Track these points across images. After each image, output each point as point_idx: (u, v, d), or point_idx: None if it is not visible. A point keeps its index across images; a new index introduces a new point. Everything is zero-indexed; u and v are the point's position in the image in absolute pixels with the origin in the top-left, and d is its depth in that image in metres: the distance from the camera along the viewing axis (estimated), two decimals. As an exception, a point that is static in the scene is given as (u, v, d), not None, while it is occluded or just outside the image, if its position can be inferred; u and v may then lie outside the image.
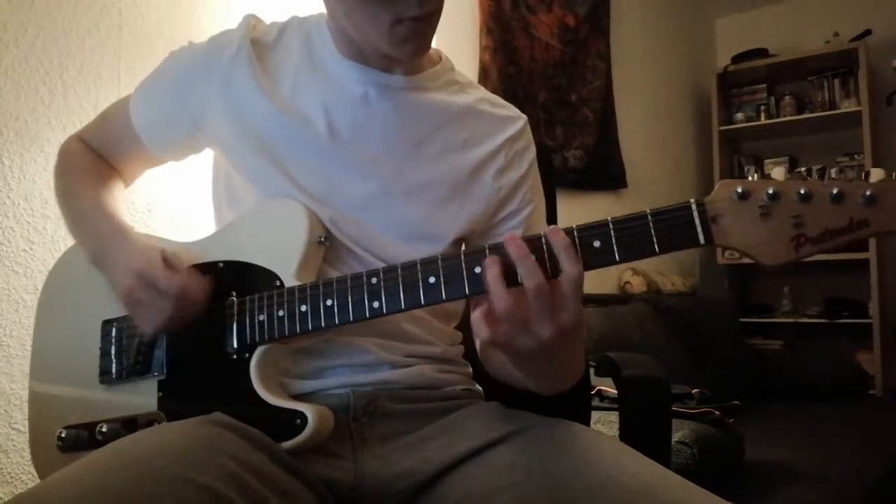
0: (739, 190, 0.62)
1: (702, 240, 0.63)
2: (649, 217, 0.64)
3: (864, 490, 1.73)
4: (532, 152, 0.95)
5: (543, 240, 0.65)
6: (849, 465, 1.87)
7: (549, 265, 0.64)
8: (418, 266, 0.71)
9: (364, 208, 0.84)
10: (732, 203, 0.62)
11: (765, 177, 0.63)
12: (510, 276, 0.64)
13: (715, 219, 0.62)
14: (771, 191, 0.61)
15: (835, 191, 0.59)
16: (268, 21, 0.92)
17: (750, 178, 0.63)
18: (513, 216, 0.92)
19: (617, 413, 1.15)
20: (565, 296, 0.63)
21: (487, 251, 0.68)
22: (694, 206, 0.63)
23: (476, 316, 0.65)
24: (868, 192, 0.59)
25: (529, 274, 0.63)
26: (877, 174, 0.59)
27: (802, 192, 0.60)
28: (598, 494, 0.64)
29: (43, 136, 1.28)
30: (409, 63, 0.87)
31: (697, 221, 0.63)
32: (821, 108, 3.79)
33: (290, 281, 0.78)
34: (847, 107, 3.69)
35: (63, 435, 0.85)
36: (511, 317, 0.63)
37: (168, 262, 0.80)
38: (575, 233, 0.66)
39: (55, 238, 1.28)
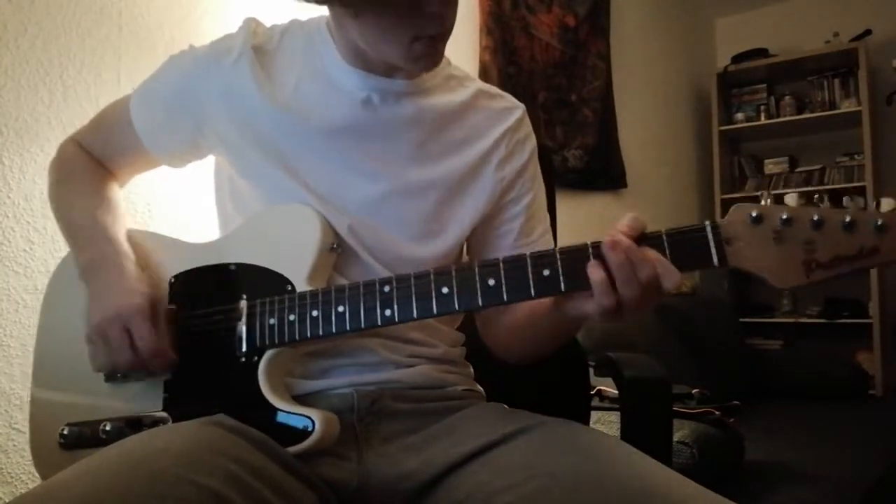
0: (754, 214, 0.64)
1: (716, 261, 0.64)
2: (664, 237, 0.65)
3: (864, 490, 1.73)
4: (532, 141, 0.96)
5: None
6: (849, 465, 1.87)
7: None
8: (431, 276, 0.71)
9: (370, 209, 0.84)
10: (746, 226, 0.64)
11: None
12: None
13: (729, 241, 0.64)
14: (785, 216, 0.63)
15: (847, 219, 0.61)
16: (268, 23, 0.92)
17: (763, 203, 0.64)
18: (514, 203, 0.92)
19: (617, 413, 1.15)
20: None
21: (502, 264, 0.69)
22: (709, 229, 0.65)
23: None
24: (879, 222, 0.61)
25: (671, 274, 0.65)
26: (888, 204, 0.61)
27: (815, 218, 0.62)
28: (601, 494, 0.64)
29: (43, 136, 1.28)
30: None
31: (712, 243, 0.64)
32: (821, 108, 3.80)
33: (301, 286, 0.78)
34: (847, 107, 3.69)
35: (65, 432, 0.84)
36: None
37: (153, 315, 0.80)
38: (589, 249, 0.67)
39: (55, 238, 1.28)
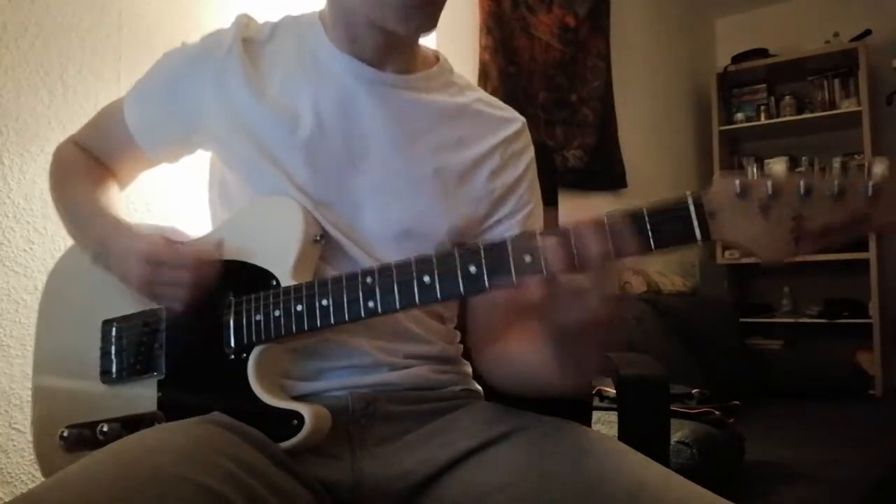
0: (738, 184, 0.60)
1: (699, 236, 0.61)
2: (645, 212, 0.62)
3: (864, 490, 1.73)
4: (530, 155, 0.93)
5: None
6: (849, 465, 1.87)
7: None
8: (413, 265, 0.70)
9: (355, 205, 0.83)
10: (731, 198, 0.60)
11: (764, 171, 0.62)
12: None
13: (713, 214, 0.60)
14: (771, 185, 0.59)
15: (836, 186, 0.57)
16: (262, 20, 0.92)
17: (749, 173, 0.61)
18: (508, 218, 0.90)
19: (616, 413, 1.15)
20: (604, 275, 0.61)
21: (482, 250, 0.67)
22: (690, 201, 0.61)
23: (534, 280, 0.62)
24: (871, 186, 0.57)
25: (597, 240, 0.60)
26: (880, 167, 0.58)
27: (803, 186, 0.58)
28: (597, 494, 0.64)
29: (43, 136, 1.28)
30: (405, 59, 0.86)
31: (694, 217, 0.61)
32: (821, 108, 3.79)
33: (286, 280, 0.78)
34: (847, 107, 3.69)
35: (65, 434, 0.85)
36: (562, 281, 0.61)
37: (169, 238, 0.80)
38: (570, 231, 0.65)
39: (55, 238, 1.28)
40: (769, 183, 0.59)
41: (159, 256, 0.78)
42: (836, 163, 0.61)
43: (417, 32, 0.82)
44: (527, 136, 0.94)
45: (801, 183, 0.58)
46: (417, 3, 0.77)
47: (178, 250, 0.78)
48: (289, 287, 0.77)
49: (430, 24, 0.81)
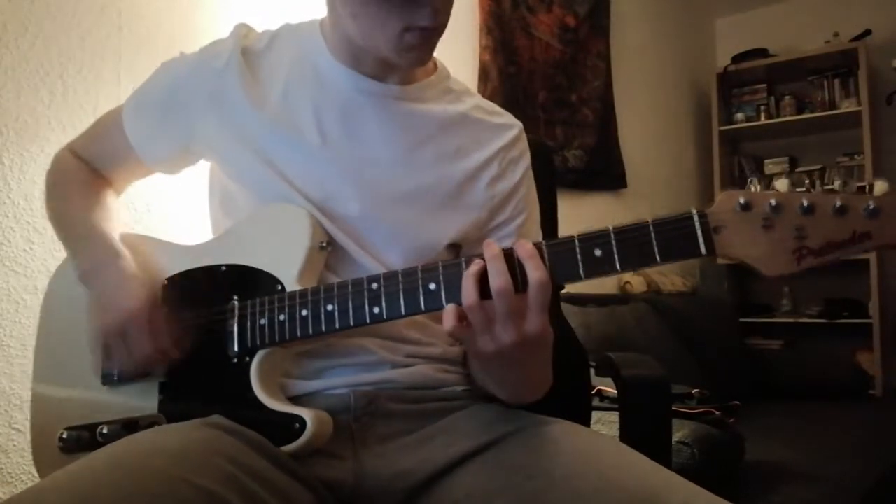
0: (742, 201, 0.62)
1: (703, 250, 0.63)
2: (651, 226, 0.64)
3: (864, 490, 1.73)
4: (526, 161, 0.94)
5: (514, 252, 0.67)
6: (849, 465, 1.87)
7: (519, 277, 0.66)
8: (419, 273, 0.71)
9: (358, 215, 0.83)
10: (735, 214, 0.62)
11: (768, 187, 0.63)
12: (486, 283, 0.66)
13: (717, 229, 0.62)
14: (773, 202, 0.61)
15: (838, 203, 0.59)
16: (261, 28, 0.92)
17: (753, 189, 0.63)
18: (505, 224, 0.91)
19: (617, 413, 1.15)
20: (530, 304, 0.65)
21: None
22: (696, 217, 0.63)
23: (448, 307, 0.68)
24: (871, 206, 0.58)
25: (497, 274, 0.65)
26: (880, 187, 0.59)
27: (805, 204, 0.60)
28: (598, 496, 0.64)
29: (43, 136, 1.28)
30: (405, 72, 0.87)
31: (699, 232, 0.63)
32: (821, 108, 3.79)
33: (291, 285, 0.78)
34: (847, 107, 3.69)
35: (64, 436, 0.84)
36: (474, 314, 0.66)
37: (150, 319, 0.80)
38: (576, 241, 0.66)
39: (55, 238, 1.26)
40: (772, 198, 0.61)
41: (128, 329, 0.79)
42: (838, 181, 0.62)
43: (414, 65, 0.84)
44: (524, 142, 0.95)
45: (804, 199, 0.60)
46: (410, 46, 0.78)
47: (146, 343, 0.79)
48: (294, 292, 0.77)
49: (427, 57, 0.83)
